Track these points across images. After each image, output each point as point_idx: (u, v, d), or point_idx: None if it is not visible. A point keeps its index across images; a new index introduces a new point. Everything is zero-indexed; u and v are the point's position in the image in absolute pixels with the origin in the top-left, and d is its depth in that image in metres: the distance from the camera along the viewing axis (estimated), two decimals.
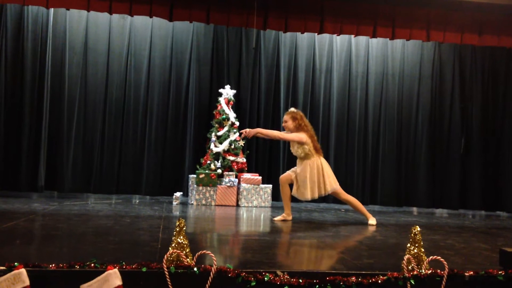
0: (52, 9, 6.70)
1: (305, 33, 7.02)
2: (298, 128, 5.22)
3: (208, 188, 6.43)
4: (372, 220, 5.30)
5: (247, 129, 5.29)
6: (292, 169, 5.43)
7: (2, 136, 6.59)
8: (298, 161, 5.31)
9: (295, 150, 5.25)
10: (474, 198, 7.56)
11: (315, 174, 5.18)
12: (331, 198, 7.48)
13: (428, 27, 6.41)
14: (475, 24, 6.41)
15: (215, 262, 2.58)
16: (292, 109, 5.43)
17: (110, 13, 6.10)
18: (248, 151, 7.04)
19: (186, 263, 2.62)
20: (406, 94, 7.74)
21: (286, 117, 5.28)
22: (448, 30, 6.47)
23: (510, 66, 7.70)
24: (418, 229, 2.92)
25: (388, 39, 7.00)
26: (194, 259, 2.67)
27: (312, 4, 6.24)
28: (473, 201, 7.57)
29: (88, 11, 6.06)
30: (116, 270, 2.47)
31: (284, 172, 7.31)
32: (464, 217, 6.90)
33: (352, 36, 7.29)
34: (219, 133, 6.75)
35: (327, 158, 7.46)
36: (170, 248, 2.66)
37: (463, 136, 7.72)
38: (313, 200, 7.28)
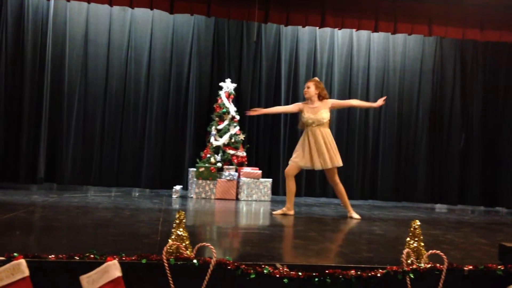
0: (53, 1, 6.68)
1: (307, 27, 7.01)
2: (321, 96, 5.29)
3: (208, 181, 6.43)
4: (356, 215, 5.28)
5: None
6: (293, 159, 5.34)
7: (2, 128, 6.57)
8: (313, 129, 5.23)
9: (320, 114, 5.21)
10: (473, 194, 7.57)
11: (332, 143, 5.25)
12: (331, 193, 7.48)
13: (430, 21, 6.40)
14: (477, 19, 6.40)
15: (214, 255, 2.58)
16: (316, 78, 5.53)
17: (111, 5, 6.09)
18: (248, 145, 7.04)
19: (186, 255, 2.62)
20: (407, 89, 7.73)
21: (309, 83, 5.35)
22: (450, 25, 6.46)
23: (511, 62, 7.67)
24: (418, 223, 2.91)
25: (389, 33, 6.99)
26: (194, 251, 2.67)
27: None
28: (472, 197, 7.58)
29: (89, 3, 6.05)
30: (115, 261, 2.47)
31: (284, 166, 7.33)
32: (463, 212, 6.90)
33: (354, 30, 7.27)
34: (219, 127, 6.75)
35: None
36: (169, 240, 2.65)
37: (463, 132, 7.72)
38: (311, 194, 7.36)
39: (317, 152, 5.21)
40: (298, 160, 5.29)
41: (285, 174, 5.40)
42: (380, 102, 5.37)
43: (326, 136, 5.24)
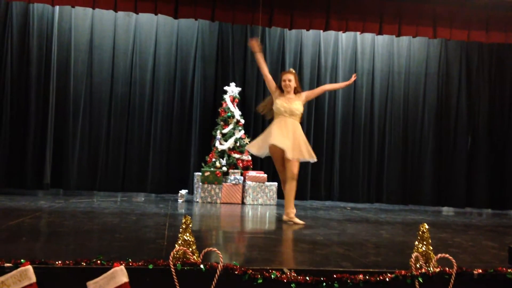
0: (58, 6, 6.71)
1: (311, 30, 7.00)
2: (297, 90, 5.09)
3: (213, 186, 6.42)
4: (286, 216, 4.93)
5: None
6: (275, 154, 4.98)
7: (8, 134, 6.60)
8: (289, 121, 4.94)
9: (295, 104, 4.97)
10: (481, 196, 7.52)
11: (304, 136, 5.10)
12: (337, 196, 7.46)
13: (434, 24, 6.37)
14: (482, 20, 6.36)
15: (221, 260, 2.57)
16: (293, 70, 5.37)
17: (115, 11, 6.10)
18: None
19: (193, 261, 2.61)
20: (412, 91, 7.71)
21: (290, 76, 5.04)
22: (455, 27, 6.42)
23: None
24: (426, 227, 2.89)
25: (394, 36, 6.97)
26: (201, 257, 2.66)
27: (317, 1, 6.22)
28: (480, 199, 7.53)
29: (93, 8, 6.06)
30: (122, 267, 2.46)
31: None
32: (471, 215, 6.86)
33: (358, 33, 7.25)
34: (224, 131, 6.74)
35: (332, 155, 7.50)
36: (176, 245, 2.64)
37: (470, 134, 7.67)
38: (316, 197, 7.33)
39: (292, 141, 4.87)
40: (281, 163, 4.97)
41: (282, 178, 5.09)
42: (352, 79, 5.36)
43: (297, 128, 4.98)
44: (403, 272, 2.69)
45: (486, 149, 7.58)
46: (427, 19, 6.36)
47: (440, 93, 7.68)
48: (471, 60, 7.69)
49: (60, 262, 2.51)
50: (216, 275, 2.53)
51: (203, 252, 2.66)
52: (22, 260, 2.45)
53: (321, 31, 7.00)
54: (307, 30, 6.70)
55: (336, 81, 7.56)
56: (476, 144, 7.61)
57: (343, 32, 6.97)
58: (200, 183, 6.44)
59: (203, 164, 6.66)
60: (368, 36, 7.46)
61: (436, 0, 6.21)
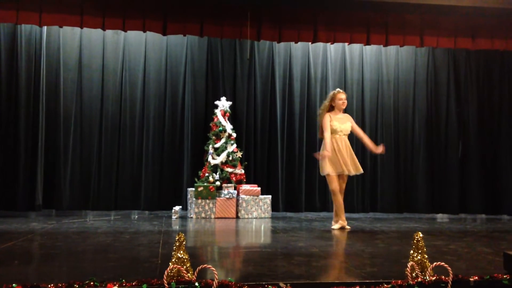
0: (45, 27, 6.71)
1: (299, 43, 7.04)
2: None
3: (207, 201, 6.39)
4: (336, 225, 5.52)
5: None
6: (330, 173, 5.46)
7: None
8: (341, 137, 5.56)
9: (348, 124, 5.68)
10: (474, 202, 7.54)
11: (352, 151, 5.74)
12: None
13: (421, 32, 6.43)
14: (468, 28, 6.43)
15: (216, 276, 2.54)
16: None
17: (104, 29, 6.10)
18: (246, 163, 7.02)
19: (187, 278, 2.58)
20: (402, 100, 7.76)
21: (345, 96, 5.73)
22: (441, 35, 6.48)
23: (504, 68, 7.73)
24: (421, 235, 2.89)
25: (381, 46, 7.03)
26: (195, 274, 2.63)
27: (305, 14, 6.26)
28: (474, 205, 7.55)
29: (81, 28, 6.06)
30: (116, 287, 2.43)
31: (283, 181, 7.29)
32: (465, 221, 6.87)
33: (346, 44, 7.31)
34: (217, 145, 6.73)
35: None
36: (170, 264, 2.62)
37: (461, 140, 7.72)
38: (311, 209, 7.33)
39: (348, 158, 5.50)
40: (333, 170, 5.45)
41: (334, 191, 5.48)
42: (380, 149, 5.76)
43: (348, 145, 5.61)
44: (399, 281, 2.68)
45: (477, 154, 7.62)
46: (414, 28, 6.42)
47: (430, 100, 7.74)
48: (459, 67, 7.77)
49: (52, 285, 2.47)
50: None
51: (197, 269, 2.63)
52: (14, 285, 2.41)
53: (310, 43, 7.05)
54: (296, 42, 6.74)
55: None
56: (467, 150, 7.66)
57: (331, 44, 7.03)
58: (194, 199, 6.41)
59: (196, 179, 6.64)
60: (356, 46, 7.53)
61: (421, 9, 6.27)
